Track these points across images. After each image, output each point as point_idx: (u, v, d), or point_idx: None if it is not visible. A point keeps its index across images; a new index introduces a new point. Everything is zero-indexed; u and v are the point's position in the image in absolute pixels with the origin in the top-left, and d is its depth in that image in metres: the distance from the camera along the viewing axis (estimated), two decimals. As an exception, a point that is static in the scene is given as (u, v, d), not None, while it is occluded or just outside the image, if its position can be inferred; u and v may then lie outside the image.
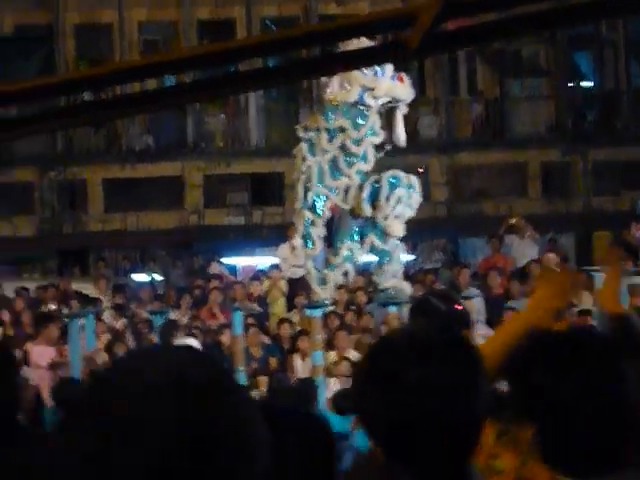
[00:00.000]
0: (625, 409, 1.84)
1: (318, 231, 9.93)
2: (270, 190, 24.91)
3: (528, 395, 1.87)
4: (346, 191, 9.98)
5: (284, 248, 15.16)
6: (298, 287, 14.42)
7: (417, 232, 17.63)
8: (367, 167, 10.12)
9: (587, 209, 25.57)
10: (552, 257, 15.72)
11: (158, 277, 19.72)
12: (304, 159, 10.02)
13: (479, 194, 25.05)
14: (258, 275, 15.29)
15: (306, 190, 9.99)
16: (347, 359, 11.91)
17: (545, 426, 1.83)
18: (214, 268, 17.59)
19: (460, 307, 6.91)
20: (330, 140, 9.87)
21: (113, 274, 19.54)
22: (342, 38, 2.32)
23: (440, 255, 24.30)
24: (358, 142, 9.85)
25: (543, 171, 25.48)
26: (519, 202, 24.61)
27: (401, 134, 10.16)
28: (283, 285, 14.25)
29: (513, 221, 16.13)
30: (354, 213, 10.06)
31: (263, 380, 10.30)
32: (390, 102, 9.66)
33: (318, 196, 9.93)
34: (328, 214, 9.98)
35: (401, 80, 9.50)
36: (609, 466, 1.84)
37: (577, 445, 1.83)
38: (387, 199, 10.04)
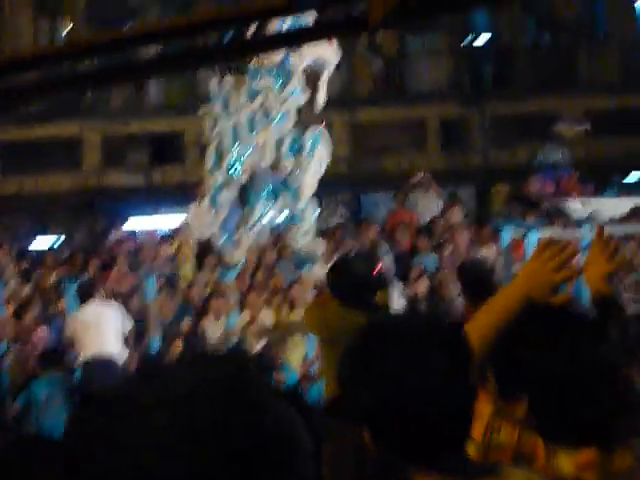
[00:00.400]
0: (614, 378, 1.88)
1: (229, 194, 9.82)
2: (170, 149, 24.62)
3: (518, 370, 1.89)
4: (263, 147, 9.84)
5: (192, 209, 15.06)
6: (207, 248, 14.35)
7: (320, 188, 17.65)
8: (287, 124, 10.02)
9: (485, 163, 25.91)
10: (457, 211, 15.95)
11: (60, 240, 19.38)
12: (216, 119, 9.84)
13: (380, 150, 25.17)
14: (166, 236, 15.13)
15: (218, 151, 9.82)
16: (259, 319, 11.94)
17: (536, 399, 1.85)
18: (116, 231, 17.35)
19: (378, 268, 7.00)
20: (251, 100, 9.71)
21: (14, 240, 19.12)
22: (308, 9, 2.29)
23: (343, 211, 24.40)
24: (281, 102, 9.73)
25: (442, 126, 25.70)
26: (419, 157, 24.81)
27: (321, 97, 10.10)
28: (192, 246, 14.14)
29: (418, 176, 16.27)
30: (273, 169, 9.96)
31: (177, 343, 10.24)
32: (315, 64, 9.56)
33: (234, 157, 9.79)
34: (244, 176, 9.86)
35: (329, 41, 9.38)
36: (605, 433, 1.87)
37: (570, 415, 1.86)
38: (309, 155, 9.99)
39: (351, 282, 5.98)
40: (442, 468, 1.68)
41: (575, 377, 1.87)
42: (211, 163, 9.85)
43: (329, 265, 12.90)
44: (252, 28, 7.67)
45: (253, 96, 9.68)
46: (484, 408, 1.90)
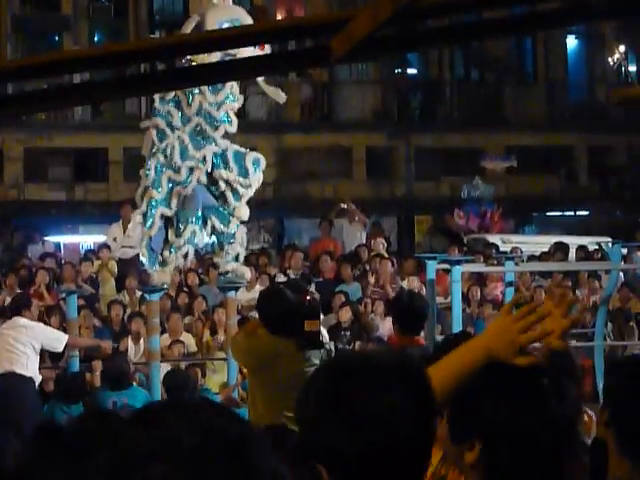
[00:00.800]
0: (571, 433, 1.87)
1: (164, 211, 9.67)
2: (94, 166, 24.36)
3: (474, 417, 1.87)
4: (200, 166, 9.72)
5: (114, 227, 14.89)
6: (129, 268, 14.18)
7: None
8: (233, 129, 9.91)
9: (409, 193, 26.12)
10: (380, 241, 16.02)
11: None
12: (162, 134, 9.70)
13: (306, 176, 25.21)
14: (88, 255, 14.91)
15: (161, 167, 9.67)
16: (180, 342, 11.82)
17: (489, 449, 1.83)
18: (39, 247, 17.06)
19: (309, 298, 6.97)
20: (192, 112, 9.56)
21: None
22: (275, 40, 2.26)
23: (267, 236, 24.35)
24: (218, 106, 9.62)
25: (368, 155, 25.86)
26: (344, 185, 24.91)
27: (279, 96, 10.02)
28: (113, 265, 13.98)
29: (344, 205, 16.30)
30: (207, 189, 9.85)
31: (97, 364, 10.07)
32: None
33: (185, 173, 9.64)
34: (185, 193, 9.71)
35: (263, 47, 9.27)
36: None
37: (521, 468, 1.85)
38: (248, 180, 9.90)
39: (282, 310, 5.94)
40: None
41: (532, 431, 1.86)
42: (149, 181, 9.67)
43: (255, 291, 12.94)
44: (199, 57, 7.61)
45: (189, 101, 9.54)
46: (434, 454, 1.88)
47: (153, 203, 9.64)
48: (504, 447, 1.81)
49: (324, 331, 9.54)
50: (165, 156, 9.71)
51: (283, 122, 25.01)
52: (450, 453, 1.93)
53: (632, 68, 27.97)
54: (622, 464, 2.41)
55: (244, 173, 9.88)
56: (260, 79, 9.97)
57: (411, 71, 27.46)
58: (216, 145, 9.80)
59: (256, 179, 9.98)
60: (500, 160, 19.95)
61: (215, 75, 2.30)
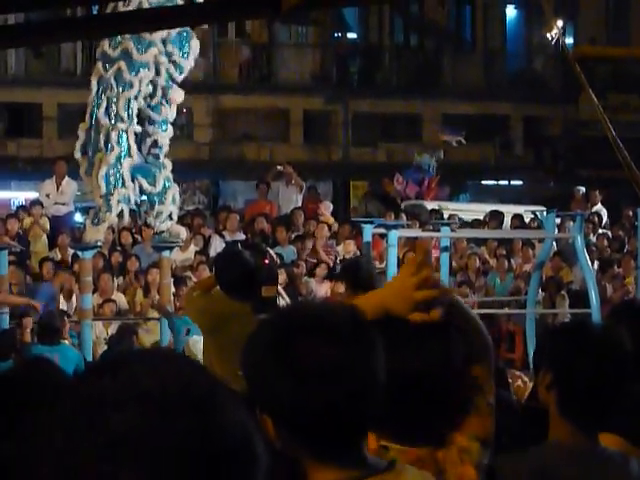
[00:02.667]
0: (458, 380, 1.92)
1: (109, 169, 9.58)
2: (27, 121, 23.96)
3: None
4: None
5: (48, 184, 14.65)
6: (61, 225, 13.99)
7: (179, 172, 17.43)
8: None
9: (345, 158, 26.12)
10: (328, 205, 16.03)
11: None
12: (105, 88, 9.57)
13: (242, 137, 25.07)
14: (18, 211, 14.66)
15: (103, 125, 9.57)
16: (112, 301, 11.71)
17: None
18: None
19: (267, 261, 6.89)
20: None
21: None
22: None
23: (202, 197, 24.20)
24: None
25: (305, 118, 25.77)
26: (281, 148, 24.83)
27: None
28: (45, 222, 13.77)
29: (281, 168, 16.23)
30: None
31: (27, 321, 9.92)
32: None
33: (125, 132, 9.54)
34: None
35: None
36: (439, 431, 1.92)
37: (410, 414, 1.90)
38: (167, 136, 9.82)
39: (238, 273, 5.84)
40: (340, 462, 1.67)
41: (419, 375, 1.90)
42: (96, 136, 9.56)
43: (189, 251, 12.86)
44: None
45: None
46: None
47: (110, 161, 9.51)
48: (393, 395, 1.81)
49: (282, 291, 9.49)
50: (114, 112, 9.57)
51: (220, 83, 24.79)
52: None
53: (569, 40, 28.19)
54: (563, 426, 2.47)
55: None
56: None
57: (351, 36, 27.38)
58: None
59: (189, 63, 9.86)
60: (451, 134, 20.08)
61: (162, 21, 2.23)
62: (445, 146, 19.32)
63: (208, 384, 1.04)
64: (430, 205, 16.87)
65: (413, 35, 27.57)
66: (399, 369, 1.83)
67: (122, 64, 9.43)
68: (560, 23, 14.69)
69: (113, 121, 9.57)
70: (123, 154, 9.59)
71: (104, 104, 9.57)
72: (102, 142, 9.63)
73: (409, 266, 2.01)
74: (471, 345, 2.01)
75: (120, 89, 9.50)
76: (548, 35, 14.27)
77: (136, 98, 9.58)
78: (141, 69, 9.51)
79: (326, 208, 15.50)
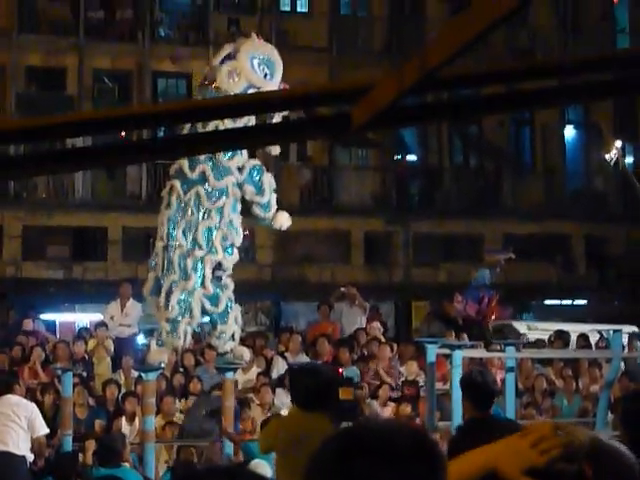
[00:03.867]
0: None
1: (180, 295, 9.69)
2: (92, 245, 24.34)
3: None
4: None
5: (112, 306, 14.81)
6: (125, 347, 14.06)
7: (242, 293, 17.54)
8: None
9: (407, 279, 26.09)
10: (376, 326, 15.93)
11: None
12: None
13: (303, 259, 25.20)
14: (82, 333, 14.78)
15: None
16: (174, 423, 11.66)
17: None
18: (28, 324, 16.88)
19: (341, 372, 6.88)
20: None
21: None
22: (285, 108, 2.23)
23: (263, 318, 24.24)
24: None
25: (366, 240, 25.89)
26: (342, 269, 24.90)
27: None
28: (109, 344, 13.85)
29: (344, 289, 16.24)
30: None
31: (90, 444, 9.91)
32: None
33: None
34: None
35: (284, 87, 9.32)
36: None
37: None
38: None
39: (316, 382, 5.82)
40: None
41: None
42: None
43: (252, 372, 12.80)
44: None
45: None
46: None
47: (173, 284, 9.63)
48: None
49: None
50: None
51: (282, 205, 25.04)
52: None
53: (629, 160, 28.19)
54: None
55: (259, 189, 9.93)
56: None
57: (410, 158, 27.64)
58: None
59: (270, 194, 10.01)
60: (499, 252, 20.01)
61: (232, 141, 2.27)
62: (504, 264, 19.19)
63: None
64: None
65: (472, 156, 27.77)
66: None
67: (200, 190, 9.61)
68: (619, 144, 14.72)
69: (190, 246, 9.68)
70: (198, 283, 9.67)
71: (182, 226, 9.70)
72: (176, 264, 9.70)
73: (532, 434, 1.92)
74: None
75: (200, 216, 9.67)
76: (607, 156, 14.33)
77: (217, 228, 9.72)
78: (220, 196, 9.69)
79: (375, 328, 15.44)
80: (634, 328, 16.59)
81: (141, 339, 15.03)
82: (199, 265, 9.67)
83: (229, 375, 9.98)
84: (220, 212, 9.69)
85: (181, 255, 9.64)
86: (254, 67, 9.56)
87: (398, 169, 26.66)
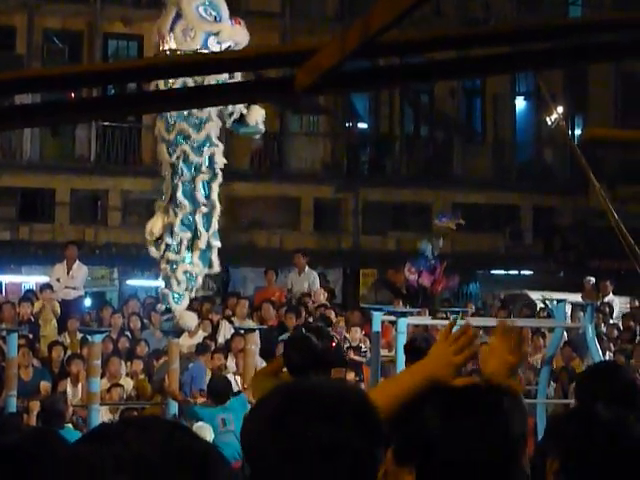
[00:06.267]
0: (514, 463, 1.90)
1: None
2: (40, 206, 24.13)
3: (415, 441, 1.87)
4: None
5: (58, 268, 14.71)
6: (71, 309, 14.01)
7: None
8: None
9: (355, 247, 26.19)
10: (321, 292, 16.02)
11: None
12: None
13: (253, 225, 25.19)
14: (28, 295, 14.70)
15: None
16: (119, 386, 11.64)
17: (426, 475, 1.84)
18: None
19: (334, 344, 6.88)
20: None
21: None
22: (232, 69, 2.24)
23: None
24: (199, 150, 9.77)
25: (316, 207, 25.93)
26: (291, 235, 24.94)
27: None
28: (55, 306, 13.78)
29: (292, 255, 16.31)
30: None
31: (34, 405, 9.88)
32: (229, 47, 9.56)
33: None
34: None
35: (238, 23, 9.43)
36: None
37: None
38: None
39: (308, 357, 5.82)
40: None
41: (471, 461, 1.88)
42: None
43: (197, 337, 12.81)
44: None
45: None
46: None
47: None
48: (449, 471, 1.80)
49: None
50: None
51: (232, 170, 24.97)
52: (391, 473, 1.92)
53: (578, 131, 28.45)
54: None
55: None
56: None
57: (361, 125, 27.67)
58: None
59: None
60: (449, 218, 20.08)
61: (178, 101, 2.27)
62: (451, 233, 19.32)
63: (202, 449, 1.05)
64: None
65: (423, 126, 27.87)
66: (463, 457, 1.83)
67: (186, 147, 9.64)
68: (560, 109, 14.78)
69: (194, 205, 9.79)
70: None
71: (180, 188, 9.75)
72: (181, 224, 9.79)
73: (443, 333, 2.11)
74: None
75: (191, 173, 9.72)
76: (547, 120, 14.40)
77: (211, 180, 9.81)
78: (204, 147, 9.74)
79: (319, 294, 15.51)
80: (578, 298, 16.81)
81: (87, 302, 15.01)
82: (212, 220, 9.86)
83: (174, 339, 10.00)
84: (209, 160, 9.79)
85: (184, 214, 9.76)
86: (202, 15, 9.57)
87: (349, 136, 26.69)
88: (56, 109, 2.47)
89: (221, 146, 9.89)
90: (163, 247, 9.81)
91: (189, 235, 9.73)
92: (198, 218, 9.71)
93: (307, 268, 16.14)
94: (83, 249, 17.66)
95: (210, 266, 9.93)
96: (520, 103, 28.41)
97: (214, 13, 9.67)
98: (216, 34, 9.34)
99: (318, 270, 18.80)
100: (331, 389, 1.74)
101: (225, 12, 9.76)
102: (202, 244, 9.71)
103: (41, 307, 13.67)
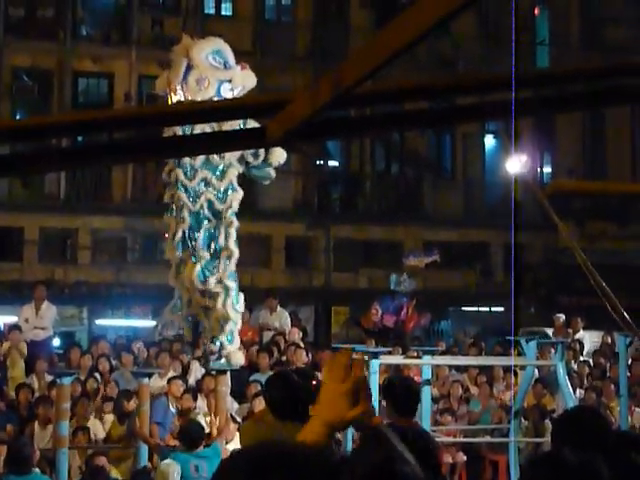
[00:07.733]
0: None
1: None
2: (8, 245, 23.92)
3: None
4: None
5: (26, 308, 14.57)
6: (38, 350, 13.85)
7: (157, 297, 17.38)
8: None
9: (327, 284, 26.15)
10: (295, 331, 15.94)
11: None
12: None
13: (223, 263, 25.07)
14: (-3, 335, 14.54)
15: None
16: (86, 428, 11.49)
17: None
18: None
19: (315, 383, 6.85)
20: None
21: None
22: (208, 120, 2.21)
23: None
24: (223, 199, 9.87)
25: (287, 244, 25.89)
26: (263, 273, 24.85)
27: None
28: (23, 347, 13.63)
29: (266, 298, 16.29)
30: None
31: (1, 449, 9.72)
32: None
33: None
34: None
35: (245, 67, 9.59)
36: None
37: None
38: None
39: (287, 394, 5.78)
40: None
41: None
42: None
43: (167, 377, 12.69)
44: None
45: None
46: None
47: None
48: None
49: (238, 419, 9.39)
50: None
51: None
52: None
53: (547, 169, 28.65)
54: None
55: None
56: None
57: (332, 163, 27.72)
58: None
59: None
60: (422, 256, 20.11)
61: (152, 151, 2.25)
62: (422, 271, 19.34)
63: None
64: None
65: (394, 163, 27.95)
66: None
67: (211, 195, 9.76)
68: (524, 158, 14.93)
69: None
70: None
71: (207, 234, 9.89)
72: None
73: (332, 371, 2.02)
74: None
75: (216, 220, 9.87)
76: (508, 169, 14.53)
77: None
78: (227, 194, 9.89)
79: (293, 333, 15.49)
80: (549, 334, 16.85)
81: (56, 342, 14.85)
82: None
83: (144, 380, 9.89)
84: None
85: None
86: (213, 64, 9.76)
87: (320, 174, 26.72)
88: (63, 155, 2.43)
89: (241, 191, 10.06)
90: (222, 296, 10.00)
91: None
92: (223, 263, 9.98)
93: (279, 307, 16.11)
94: (52, 288, 17.52)
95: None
96: (489, 141, 28.59)
97: (222, 60, 9.89)
98: (229, 81, 9.60)
99: (290, 308, 18.76)
100: (304, 453, 1.70)
101: (232, 58, 10.02)
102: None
103: (9, 348, 13.52)
